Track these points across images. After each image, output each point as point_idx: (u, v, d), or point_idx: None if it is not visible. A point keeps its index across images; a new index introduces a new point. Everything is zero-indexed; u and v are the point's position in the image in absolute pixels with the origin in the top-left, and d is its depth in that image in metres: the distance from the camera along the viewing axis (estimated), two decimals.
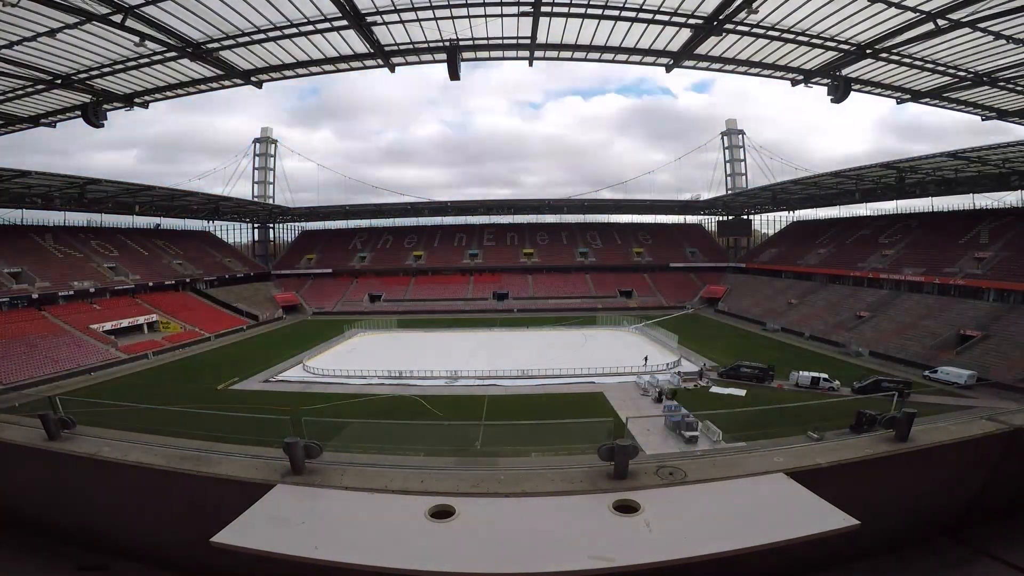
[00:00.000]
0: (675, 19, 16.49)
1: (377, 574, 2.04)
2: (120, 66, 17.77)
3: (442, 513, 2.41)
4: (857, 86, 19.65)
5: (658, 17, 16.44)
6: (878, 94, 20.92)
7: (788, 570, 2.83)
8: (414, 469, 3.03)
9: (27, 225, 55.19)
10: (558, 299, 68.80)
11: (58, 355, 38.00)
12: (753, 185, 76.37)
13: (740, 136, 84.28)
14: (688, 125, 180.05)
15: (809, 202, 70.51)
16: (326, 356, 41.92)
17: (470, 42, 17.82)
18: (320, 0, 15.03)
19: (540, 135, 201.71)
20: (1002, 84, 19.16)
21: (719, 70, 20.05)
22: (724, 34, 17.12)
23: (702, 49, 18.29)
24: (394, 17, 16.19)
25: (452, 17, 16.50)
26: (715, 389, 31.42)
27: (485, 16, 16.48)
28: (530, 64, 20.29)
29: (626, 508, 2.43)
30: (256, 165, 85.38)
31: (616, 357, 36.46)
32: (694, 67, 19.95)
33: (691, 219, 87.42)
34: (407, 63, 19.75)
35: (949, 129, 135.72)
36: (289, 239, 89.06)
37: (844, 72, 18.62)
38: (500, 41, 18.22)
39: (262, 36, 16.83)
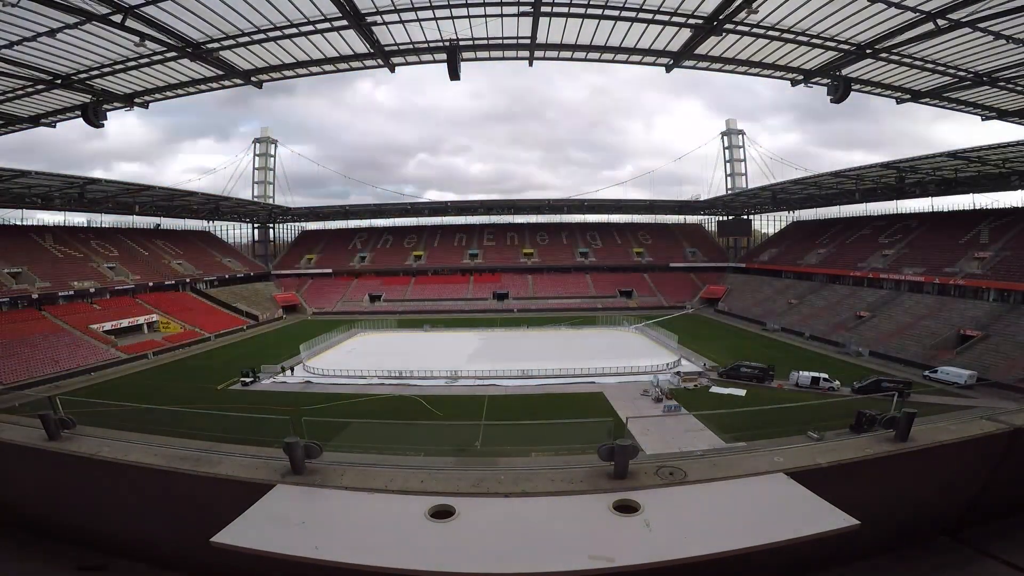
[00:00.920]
0: (675, 19, 16.48)
1: (377, 574, 2.04)
2: (120, 66, 17.76)
3: (442, 513, 2.41)
4: (857, 86, 19.63)
5: (658, 17, 16.43)
6: (878, 94, 20.92)
7: (788, 570, 2.83)
8: (414, 469, 3.03)
9: (27, 225, 55.22)
10: (558, 299, 68.81)
11: (58, 355, 38.00)
12: (753, 185, 76.43)
13: (740, 136, 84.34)
14: None
15: (809, 202, 70.50)
16: (326, 356, 41.90)
17: (470, 42, 17.80)
18: (320, 0, 15.03)
19: None
20: (1002, 84, 19.15)
21: (719, 70, 20.03)
22: (724, 34, 17.11)
23: (702, 49, 18.28)
24: (394, 17, 16.18)
25: (452, 17, 16.50)
26: (715, 389, 31.41)
27: (485, 16, 16.47)
28: (530, 64, 20.29)
29: (626, 508, 2.43)
30: (256, 165, 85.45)
31: (616, 357, 36.42)
32: (694, 67, 19.94)
33: (691, 219, 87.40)
34: (407, 63, 19.74)
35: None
36: (289, 239, 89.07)
37: (844, 72, 18.61)
38: (500, 41, 18.21)
39: (262, 36, 16.82)
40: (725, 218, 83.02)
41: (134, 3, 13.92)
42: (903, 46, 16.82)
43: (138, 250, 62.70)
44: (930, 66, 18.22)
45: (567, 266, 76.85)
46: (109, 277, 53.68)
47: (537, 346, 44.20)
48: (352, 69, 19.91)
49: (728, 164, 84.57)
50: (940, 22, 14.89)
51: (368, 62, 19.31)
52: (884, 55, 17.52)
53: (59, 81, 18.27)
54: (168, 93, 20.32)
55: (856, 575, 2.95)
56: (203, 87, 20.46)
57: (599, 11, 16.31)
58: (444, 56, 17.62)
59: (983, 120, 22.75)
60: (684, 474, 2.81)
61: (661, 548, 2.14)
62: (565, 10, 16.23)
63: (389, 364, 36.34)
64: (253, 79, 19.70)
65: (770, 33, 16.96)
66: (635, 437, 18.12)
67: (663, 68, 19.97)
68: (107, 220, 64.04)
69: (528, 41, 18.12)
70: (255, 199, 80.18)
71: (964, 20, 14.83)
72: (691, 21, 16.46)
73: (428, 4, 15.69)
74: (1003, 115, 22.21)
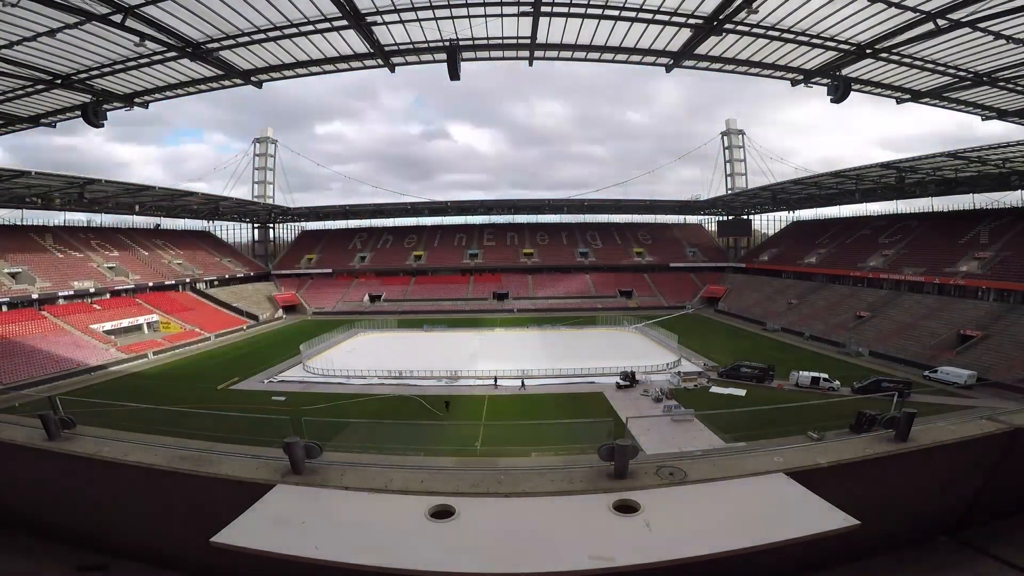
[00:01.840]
0: (675, 19, 16.47)
1: (377, 574, 2.04)
2: (120, 66, 17.75)
3: (442, 513, 2.41)
4: (857, 86, 19.62)
5: (658, 17, 16.41)
6: (878, 94, 20.89)
7: (788, 570, 2.83)
8: (414, 469, 3.03)
9: (27, 225, 55.21)
10: (558, 299, 68.81)
11: (58, 355, 37.99)
12: (753, 185, 76.44)
13: (740, 136, 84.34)
14: None
15: (809, 202, 70.48)
16: (326, 356, 41.90)
17: (470, 42, 17.79)
18: (320, 0, 15.02)
19: None
20: (1002, 84, 19.14)
21: (719, 70, 20.01)
22: (724, 34, 17.10)
23: (702, 49, 18.27)
24: (394, 17, 16.17)
25: (452, 17, 16.48)
26: (715, 389, 31.41)
27: (485, 16, 16.46)
28: (530, 64, 20.28)
29: (626, 508, 2.43)
30: (256, 165, 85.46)
31: (616, 357, 36.41)
32: (694, 67, 19.92)
33: (691, 219, 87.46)
34: (407, 63, 19.73)
35: None
36: (289, 239, 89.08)
37: (844, 72, 18.60)
38: (500, 41, 18.20)
39: (262, 36, 16.80)
40: (725, 218, 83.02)
41: (134, 3, 13.91)
42: (903, 46, 16.82)
43: (138, 250, 62.71)
44: (930, 66, 18.21)
45: (567, 266, 76.84)
46: (109, 277, 53.68)
47: (537, 346, 44.20)
48: (352, 69, 19.90)
49: (728, 164, 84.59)
50: (940, 22, 14.89)
51: (368, 62, 19.30)
52: (884, 55, 17.51)
53: (59, 81, 18.26)
54: (168, 93, 20.31)
55: (856, 575, 2.95)
56: (203, 87, 20.45)
57: (599, 11, 16.30)
58: (444, 56, 17.61)
59: (983, 120, 22.74)
60: (684, 474, 2.81)
61: (661, 548, 2.14)
62: (565, 10, 16.22)
63: (389, 364, 36.35)
64: (253, 79, 19.70)
65: (770, 33, 16.95)
66: (635, 437, 18.15)
67: (663, 68, 19.98)
68: (107, 220, 64.09)
69: (528, 41, 18.11)
70: (255, 199, 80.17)
71: (964, 20, 14.82)
72: (691, 21, 16.45)
73: (428, 4, 15.67)
74: (1003, 115, 22.19)
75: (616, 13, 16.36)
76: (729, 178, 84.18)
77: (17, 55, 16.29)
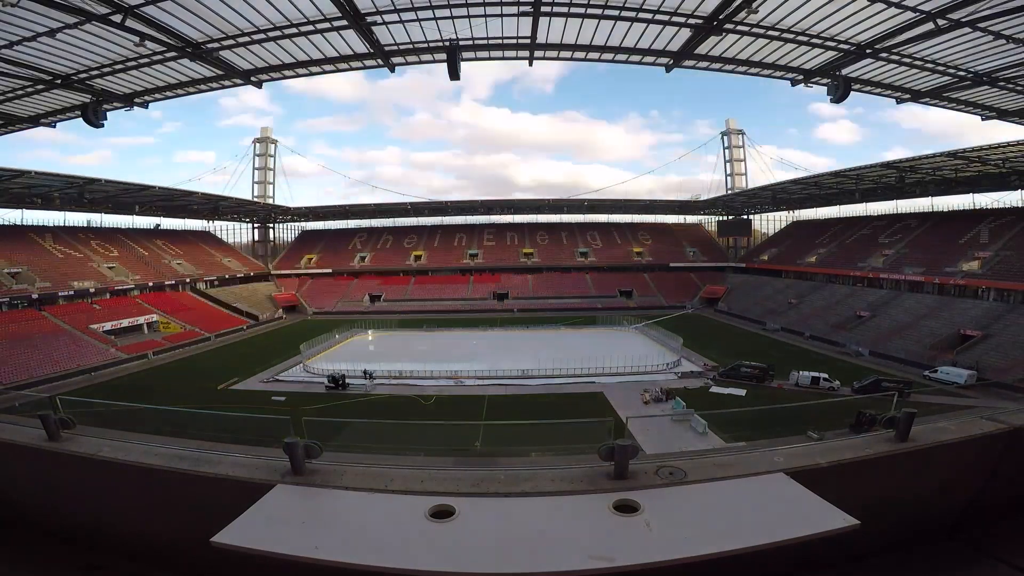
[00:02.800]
0: (675, 19, 16.46)
1: (377, 574, 2.04)
2: (120, 66, 17.75)
3: (442, 513, 2.40)
4: (857, 86, 19.61)
5: (658, 17, 16.41)
6: (878, 94, 20.89)
7: (788, 570, 2.83)
8: (414, 469, 3.03)
9: (27, 225, 55.20)
10: (558, 299, 68.80)
11: (58, 355, 37.99)
12: (753, 184, 76.47)
13: (740, 136, 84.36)
14: None
15: (809, 202, 70.52)
16: (326, 356, 41.90)
17: (470, 42, 17.78)
18: (320, 0, 15.02)
19: None
20: (1002, 84, 19.13)
21: (719, 70, 20.00)
22: (724, 34, 17.09)
23: (702, 49, 18.26)
24: (394, 17, 16.16)
25: (452, 17, 16.48)
26: (715, 389, 31.42)
27: (485, 16, 16.46)
28: (530, 64, 20.27)
29: (626, 508, 2.43)
30: (256, 165, 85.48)
31: (616, 357, 36.41)
32: (694, 67, 19.91)
33: (691, 219, 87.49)
34: (407, 63, 19.73)
35: None
36: (289, 239, 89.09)
37: (844, 72, 18.59)
38: (500, 41, 18.19)
39: (262, 36, 16.80)
40: (725, 218, 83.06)
41: (134, 3, 13.91)
42: (903, 46, 16.81)
43: (138, 250, 62.70)
44: (930, 66, 18.21)
45: (567, 266, 76.84)
46: (109, 277, 53.68)
47: (537, 346, 44.18)
48: (352, 69, 19.90)
49: (728, 164, 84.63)
50: (940, 22, 14.88)
51: (368, 62, 19.30)
52: (884, 55, 17.50)
53: (59, 81, 18.26)
54: (168, 93, 20.31)
55: (856, 575, 2.95)
56: (203, 87, 20.44)
57: (599, 11, 16.29)
58: (444, 56, 17.60)
59: (983, 120, 22.73)
60: (684, 474, 2.81)
61: (661, 548, 2.14)
62: (565, 10, 16.21)
63: (389, 364, 36.36)
64: (253, 79, 19.69)
65: (770, 33, 16.94)
66: (635, 437, 18.11)
67: (663, 68, 19.97)
68: (107, 220, 64.12)
69: (528, 41, 18.10)
70: (255, 199, 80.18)
71: (964, 20, 14.82)
72: (691, 21, 16.44)
73: (428, 4, 15.67)
74: (1003, 115, 22.19)
75: (616, 13, 16.35)
76: (729, 178, 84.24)
77: (17, 55, 16.29)
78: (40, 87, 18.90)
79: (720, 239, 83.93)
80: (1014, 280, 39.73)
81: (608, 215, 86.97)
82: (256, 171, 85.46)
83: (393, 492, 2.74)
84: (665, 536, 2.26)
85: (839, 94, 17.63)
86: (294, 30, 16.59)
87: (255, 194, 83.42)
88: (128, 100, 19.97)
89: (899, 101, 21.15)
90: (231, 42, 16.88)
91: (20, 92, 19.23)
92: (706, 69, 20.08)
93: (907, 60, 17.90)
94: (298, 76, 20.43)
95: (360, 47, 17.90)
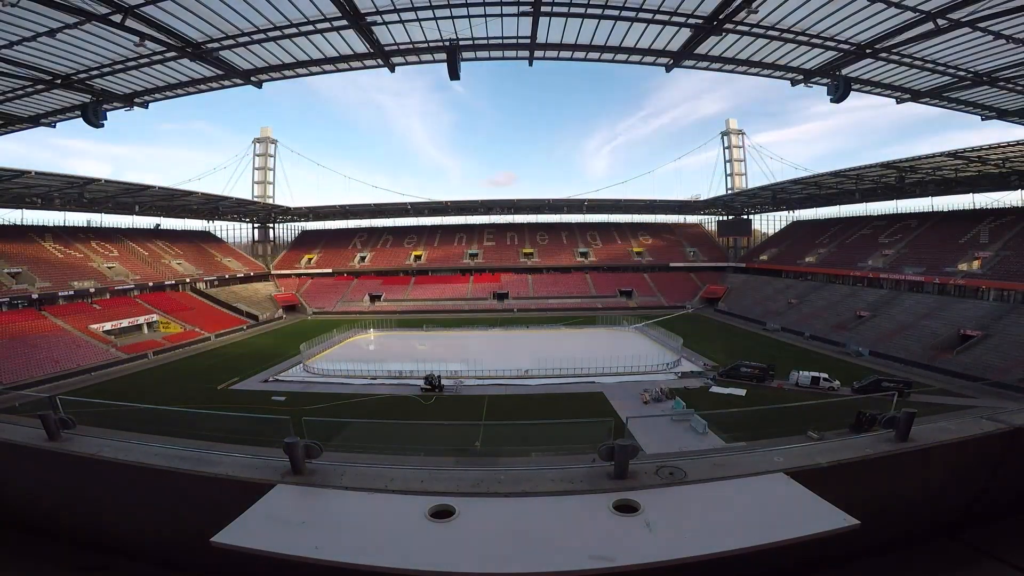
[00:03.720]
0: (675, 19, 16.47)
1: (377, 574, 2.04)
2: (120, 66, 17.74)
3: (442, 513, 2.40)
4: (857, 86, 19.62)
5: (658, 17, 16.41)
6: (878, 94, 20.89)
7: (788, 570, 2.83)
8: (414, 469, 3.03)
9: (27, 225, 55.20)
10: (558, 299, 68.80)
11: (58, 355, 38.00)
12: (753, 184, 76.47)
13: (740, 136, 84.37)
14: None
15: (809, 202, 70.48)
16: (326, 356, 41.91)
17: (470, 42, 17.79)
18: (320, 0, 15.02)
19: None
20: (1002, 84, 19.13)
21: (719, 70, 19.99)
22: (724, 34, 17.09)
23: (702, 49, 18.26)
24: (394, 17, 16.16)
25: (452, 17, 16.48)
26: (715, 389, 31.41)
27: (485, 16, 16.46)
28: (530, 64, 20.26)
29: (626, 508, 2.43)
30: (256, 165, 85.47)
31: (616, 357, 36.42)
32: (694, 67, 19.91)
33: (691, 219, 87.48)
34: (407, 63, 19.72)
35: None
36: (289, 239, 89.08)
37: (844, 72, 18.59)
38: (500, 41, 18.19)
39: (262, 36, 16.80)
40: (725, 218, 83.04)
41: (134, 3, 13.91)
42: (903, 46, 16.82)
43: (138, 250, 62.70)
44: (930, 66, 18.21)
45: (567, 266, 76.84)
46: (109, 277, 53.68)
47: (537, 346, 44.16)
48: (352, 69, 19.89)
49: (728, 164, 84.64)
50: (940, 22, 14.88)
51: (368, 62, 19.29)
52: (884, 55, 17.50)
53: (59, 81, 18.26)
54: (168, 93, 20.30)
55: (856, 575, 2.95)
56: (203, 87, 20.44)
57: (599, 11, 16.29)
58: (444, 56, 17.62)
59: (983, 120, 22.73)
60: (684, 474, 2.81)
61: (661, 548, 2.14)
62: (565, 10, 16.21)
63: (389, 364, 36.36)
64: (253, 79, 19.70)
65: (770, 33, 16.94)
66: (635, 437, 18.14)
67: (663, 68, 19.97)
68: (107, 220, 64.10)
69: (528, 41, 18.10)
70: (255, 199, 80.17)
71: (964, 20, 14.82)
72: (691, 21, 16.44)
73: (428, 4, 15.67)
74: (1003, 115, 22.19)
75: (616, 13, 16.36)
76: (729, 178, 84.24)
77: (17, 55, 16.30)
78: (40, 87, 18.90)
79: (720, 239, 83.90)
80: (1014, 280, 39.72)
81: (608, 215, 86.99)
82: (256, 171, 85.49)
83: (393, 492, 2.74)
84: (665, 536, 2.26)
85: (839, 94, 17.64)
86: (294, 30, 16.60)
87: (255, 194, 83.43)
88: (128, 100, 19.98)
89: (899, 101, 21.15)
90: (231, 42, 16.88)
91: (20, 92, 19.23)
92: (706, 69, 20.07)
93: (907, 60, 17.90)
94: (298, 76, 20.42)
95: (360, 47, 17.90)
